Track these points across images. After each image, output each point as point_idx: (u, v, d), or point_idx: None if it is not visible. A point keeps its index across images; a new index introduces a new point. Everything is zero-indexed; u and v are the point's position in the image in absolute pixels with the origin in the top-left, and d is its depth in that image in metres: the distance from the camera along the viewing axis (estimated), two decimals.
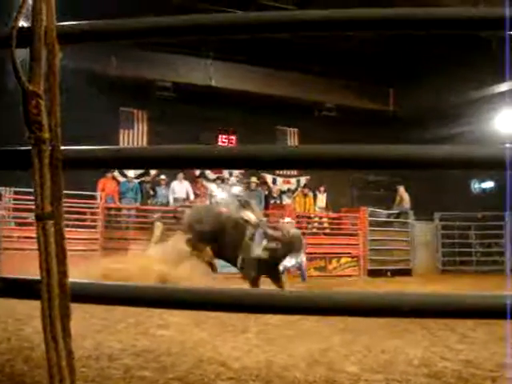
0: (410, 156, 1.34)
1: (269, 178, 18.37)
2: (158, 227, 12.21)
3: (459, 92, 15.80)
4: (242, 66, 16.49)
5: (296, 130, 19.02)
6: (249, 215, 8.51)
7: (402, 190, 17.38)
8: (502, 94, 15.83)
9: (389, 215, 17.19)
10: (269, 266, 8.34)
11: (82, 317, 4.94)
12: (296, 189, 18.54)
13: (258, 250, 8.19)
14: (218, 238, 8.55)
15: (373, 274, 15.12)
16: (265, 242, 8.22)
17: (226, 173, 15.90)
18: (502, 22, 1.30)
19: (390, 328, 6.60)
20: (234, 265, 8.65)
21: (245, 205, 8.87)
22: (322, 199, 17.43)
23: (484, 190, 22.97)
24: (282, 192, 17.73)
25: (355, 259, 15.72)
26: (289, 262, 8.45)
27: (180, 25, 1.62)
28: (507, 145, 1.34)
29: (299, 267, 10.70)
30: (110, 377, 3.51)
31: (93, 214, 13.68)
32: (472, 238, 17.78)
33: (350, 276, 15.15)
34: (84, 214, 13.69)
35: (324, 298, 1.30)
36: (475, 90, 15.61)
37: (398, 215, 17.23)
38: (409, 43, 13.91)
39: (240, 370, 4.71)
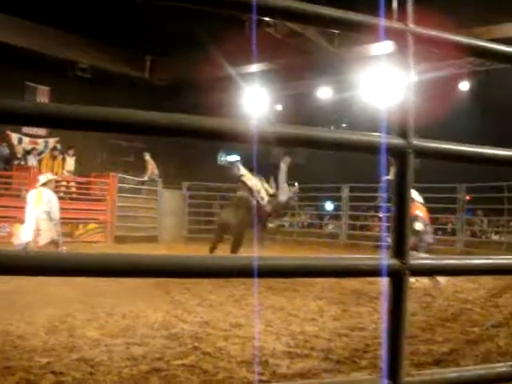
0: (160, 123, 1.37)
1: (14, 136, 17.08)
2: None
3: (214, 67, 16.32)
4: None
5: (47, 88, 17.95)
6: None
7: (148, 157, 17.62)
8: (252, 74, 16.86)
9: (138, 182, 17.29)
10: None
11: None
12: (43, 151, 17.55)
13: None
14: None
15: (120, 240, 15.13)
16: None
17: None
18: (249, 7, 1.38)
19: (133, 293, 6.73)
20: None
21: None
22: (70, 163, 16.83)
23: (230, 162, 24.40)
24: (27, 152, 16.67)
25: (102, 225, 15.55)
26: None
27: None
28: (253, 121, 1.44)
29: None
30: None
31: None
32: (216, 207, 18.73)
33: (96, 242, 14.95)
34: None
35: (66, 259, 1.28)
36: (229, 67, 16.26)
37: (145, 183, 17.42)
38: (168, 15, 13.88)
39: None
